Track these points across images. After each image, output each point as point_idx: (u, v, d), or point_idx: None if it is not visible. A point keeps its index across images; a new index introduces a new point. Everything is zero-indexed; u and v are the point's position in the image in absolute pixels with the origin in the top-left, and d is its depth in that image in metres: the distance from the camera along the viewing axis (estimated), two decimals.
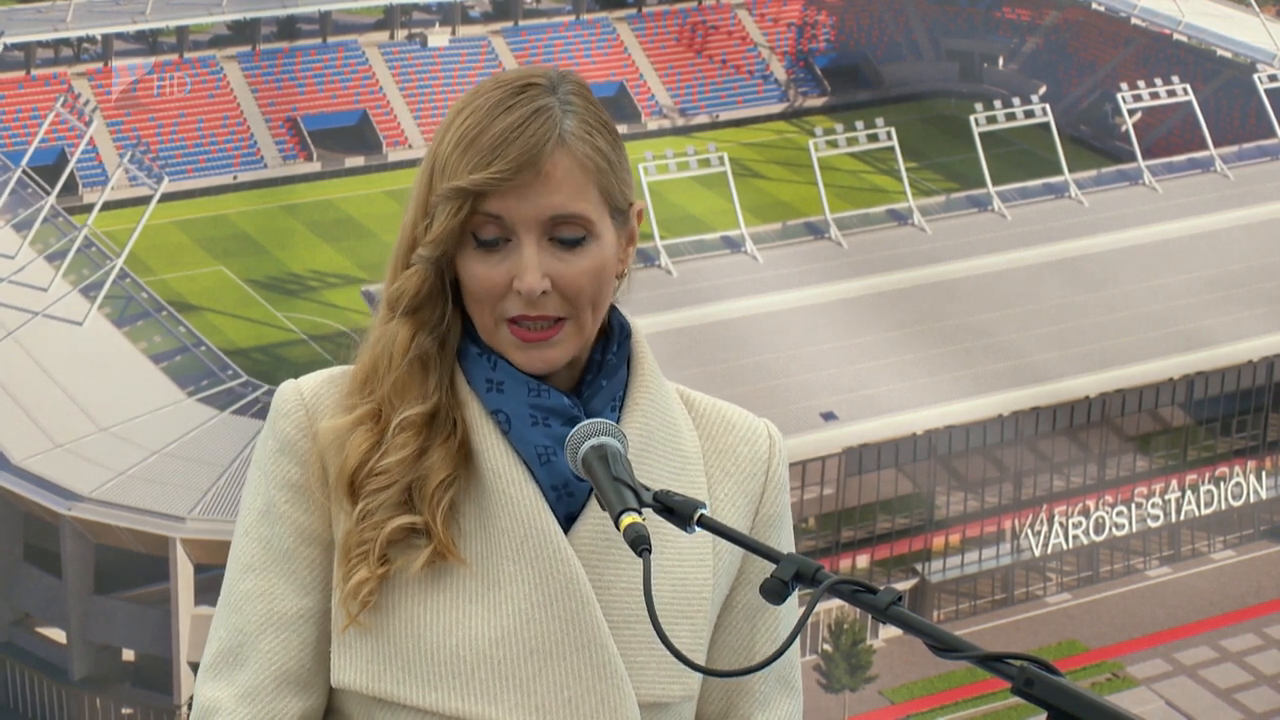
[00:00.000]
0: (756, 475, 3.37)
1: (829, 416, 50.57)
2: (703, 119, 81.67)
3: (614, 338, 3.28)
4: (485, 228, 3.13)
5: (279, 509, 3.25)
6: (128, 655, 49.43)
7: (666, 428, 3.30)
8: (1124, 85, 72.16)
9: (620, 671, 3.18)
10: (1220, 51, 79.31)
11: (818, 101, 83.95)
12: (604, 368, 3.26)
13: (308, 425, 3.25)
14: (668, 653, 2.91)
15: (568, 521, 3.21)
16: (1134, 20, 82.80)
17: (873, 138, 66.82)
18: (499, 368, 3.21)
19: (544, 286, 3.12)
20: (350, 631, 3.20)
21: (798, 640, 3.36)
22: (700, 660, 3.28)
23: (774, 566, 2.91)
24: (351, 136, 77.06)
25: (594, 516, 3.20)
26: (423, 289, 3.18)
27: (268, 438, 3.28)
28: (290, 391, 3.28)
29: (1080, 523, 54.34)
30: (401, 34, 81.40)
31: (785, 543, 3.41)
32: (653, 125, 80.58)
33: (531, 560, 3.17)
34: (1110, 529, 54.69)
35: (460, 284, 3.20)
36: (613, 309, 3.28)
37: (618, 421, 3.24)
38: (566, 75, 3.19)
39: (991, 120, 66.86)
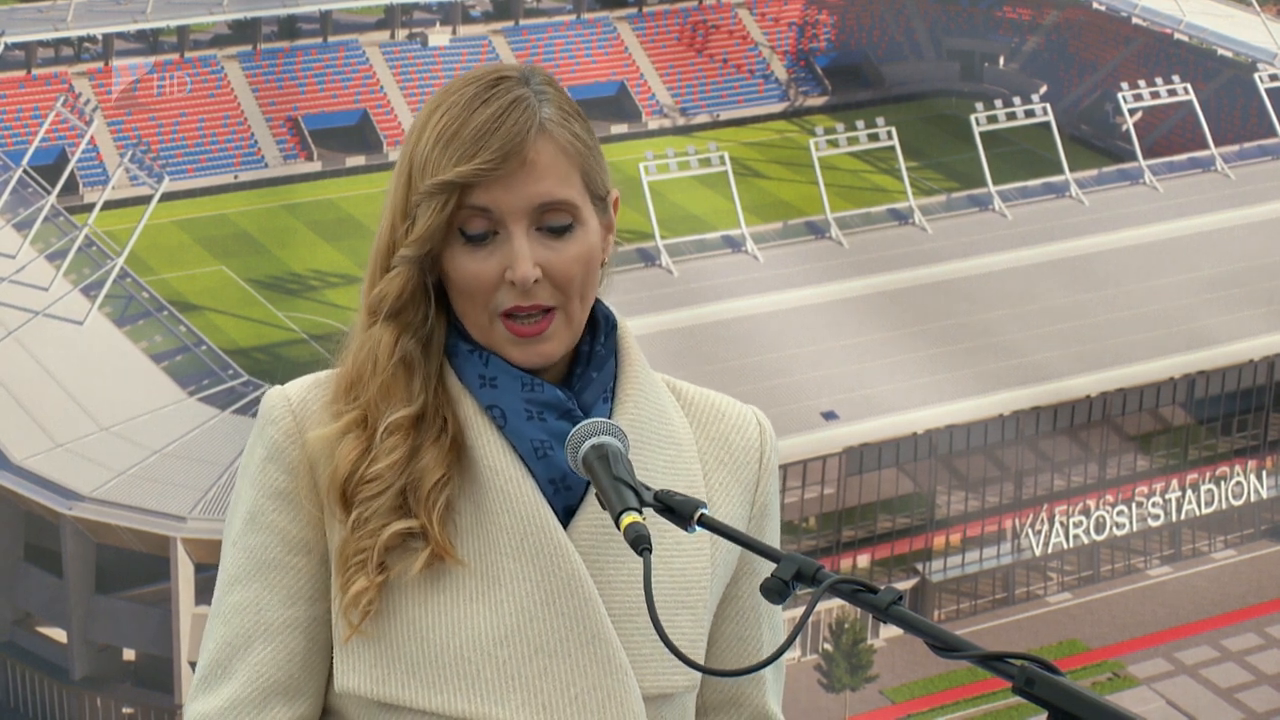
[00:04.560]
0: (750, 463, 3.38)
1: (829, 416, 50.56)
2: (703, 118, 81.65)
3: (601, 329, 3.28)
4: (472, 222, 3.12)
5: (266, 517, 3.23)
6: (128, 655, 49.41)
7: (659, 418, 3.30)
8: (1125, 85, 72.12)
9: (625, 666, 3.18)
10: (1221, 51, 79.29)
11: (818, 101, 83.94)
12: (593, 359, 3.25)
13: (295, 432, 3.23)
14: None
15: (566, 515, 3.20)
16: (1135, 20, 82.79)
17: (873, 137, 66.81)
18: (491, 364, 3.20)
19: (536, 275, 3.12)
20: (353, 638, 3.19)
21: (781, 619, 3.41)
22: (701, 646, 3.29)
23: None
24: (352, 136, 77.06)
25: (592, 510, 3.19)
26: (405, 291, 3.16)
27: (255, 445, 3.26)
28: (277, 398, 3.26)
29: (1081, 522, 54.32)
30: (402, 33, 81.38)
31: (776, 529, 3.43)
32: (653, 124, 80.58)
33: (532, 557, 3.16)
34: (1111, 528, 54.67)
35: (447, 283, 3.18)
36: (597, 301, 3.28)
37: (609, 414, 3.24)
38: (535, 69, 3.20)
39: (992, 120, 66.84)
